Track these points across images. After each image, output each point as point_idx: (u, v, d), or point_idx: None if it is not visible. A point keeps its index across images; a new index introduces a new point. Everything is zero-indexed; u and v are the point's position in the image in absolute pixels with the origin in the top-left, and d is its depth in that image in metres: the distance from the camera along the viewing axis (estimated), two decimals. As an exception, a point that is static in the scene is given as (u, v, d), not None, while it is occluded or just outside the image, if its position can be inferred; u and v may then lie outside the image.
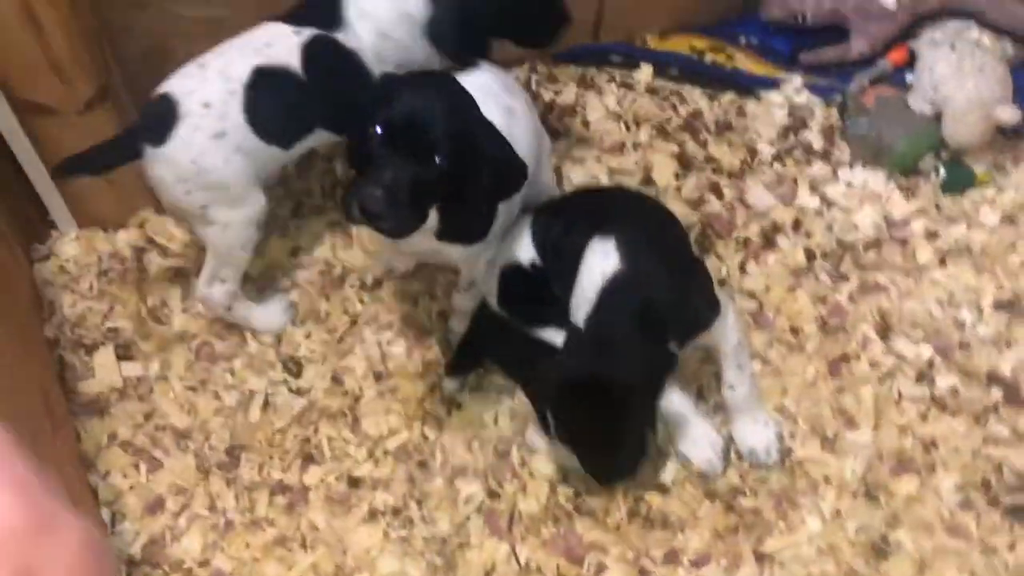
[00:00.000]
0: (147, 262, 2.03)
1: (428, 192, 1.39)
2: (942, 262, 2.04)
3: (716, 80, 2.33)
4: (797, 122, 2.26)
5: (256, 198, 1.75)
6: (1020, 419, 1.84)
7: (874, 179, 2.15)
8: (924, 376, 1.89)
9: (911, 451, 1.79)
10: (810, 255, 2.05)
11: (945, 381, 1.88)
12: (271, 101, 1.68)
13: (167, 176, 1.68)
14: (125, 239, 2.06)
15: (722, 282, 2.01)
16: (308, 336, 1.93)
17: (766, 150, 2.22)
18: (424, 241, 1.54)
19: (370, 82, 1.68)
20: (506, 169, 1.47)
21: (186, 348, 1.91)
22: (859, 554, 1.68)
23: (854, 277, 2.02)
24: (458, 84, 1.50)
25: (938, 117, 2.13)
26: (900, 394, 1.87)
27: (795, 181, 2.16)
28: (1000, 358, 1.91)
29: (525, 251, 1.71)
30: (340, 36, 1.73)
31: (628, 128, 2.25)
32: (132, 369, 1.88)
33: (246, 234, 1.77)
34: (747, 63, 2.38)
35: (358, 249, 2.05)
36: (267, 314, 1.93)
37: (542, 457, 1.77)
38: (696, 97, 2.31)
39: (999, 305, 1.97)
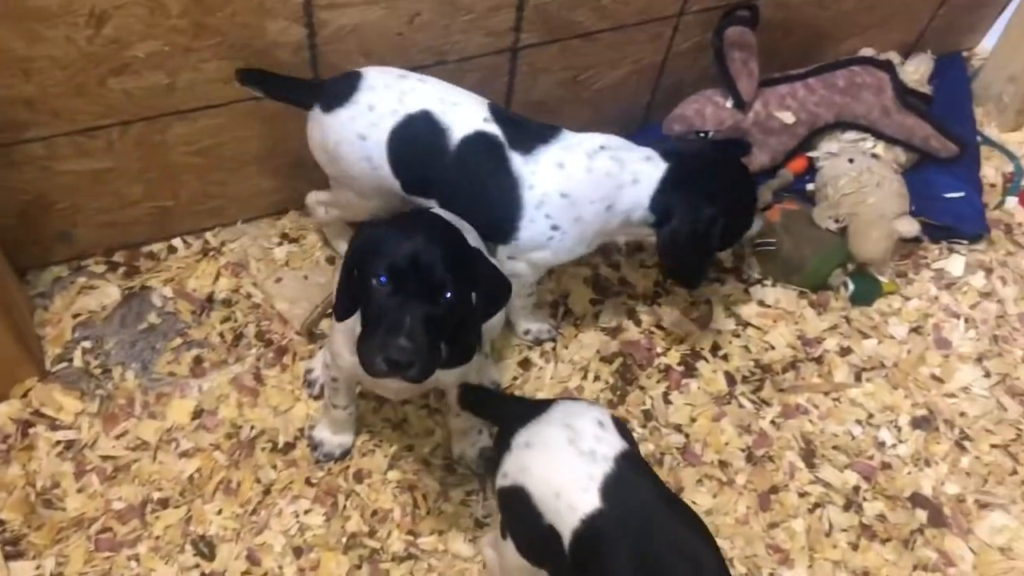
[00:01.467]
0: (34, 437, 1.86)
1: (442, 328, 1.39)
2: (858, 379, 2.07)
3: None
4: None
5: (376, 203, 1.89)
6: (945, 540, 1.87)
7: (785, 297, 2.17)
8: (851, 503, 1.90)
9: (846, 587, 1.80)
10: (731, 380, 2.05)
11: (872, 508, 1.89)
12: (416, 143, 1.75)
13: (316, 138, 1.81)
14: (7, 412, 1.88)
15: (648, 415, 1.98)
16: (219, 512, 1.80)
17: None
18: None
19: (507, 199, 1.76)
20: (496, 288, 1.49)
21: (84, 536, 1.75)
22: None
23: (775, 401, 2.02)
24: (442, 218, 1.52)
25: (842, 231, 2.17)
26: (831, 524, 1.87)
27: (709, 302, 2.16)
28: (921, 477, 1.94)
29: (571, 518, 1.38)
30: (516, 157, 1.75)
31: (540, 254, 2.21)
32: (22, 570, 1.71)
33: (363, 211, 1.93)
34: (653, 179, 2.37)
35: (267, 406, 1.93)
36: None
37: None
38: (605, 216, 2.30)
39: (915, 423, 2.01)
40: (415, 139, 1.74)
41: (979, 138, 2.51)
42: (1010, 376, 2.09)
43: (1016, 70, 2.50)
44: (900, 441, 1.99)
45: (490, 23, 1.96)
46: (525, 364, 2.04)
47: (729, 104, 2.27)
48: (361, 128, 1.74)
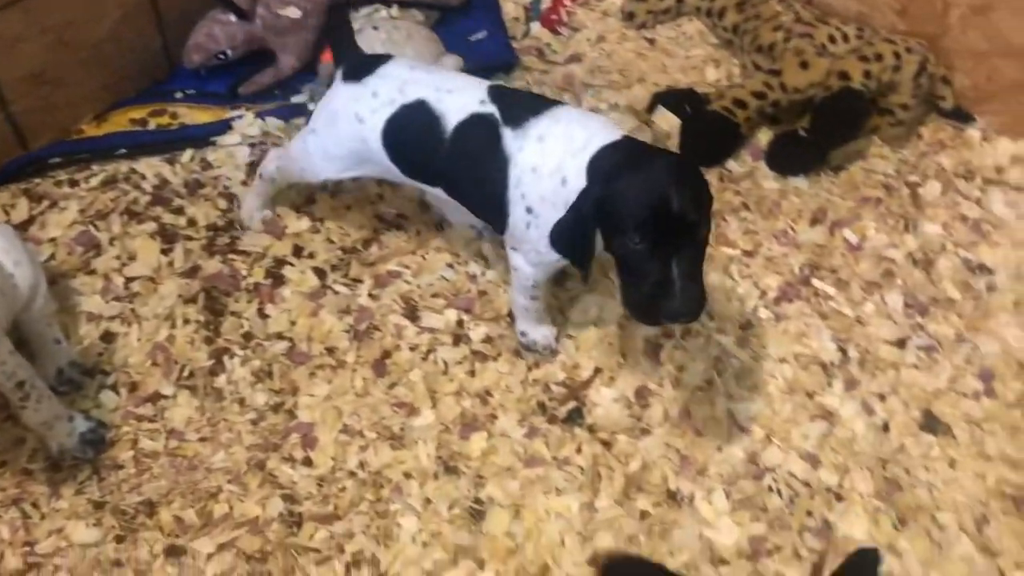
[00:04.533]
0: None
1: None
2: (439, 228, 2.15)
3: (168, 144, 2.24)
4: (262, 154, 2.24)
5: (352, 172, 1.90)
6: (548, 334, 1.99)
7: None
8: (459, 337, 1.98)
9: (472, 410, 1.87)
10: (321, 273, 2.06)
11: (477, 333, 1.98)
12: (411, 133, 1.75)
13: (327, 97, 1.87)
14: None
15: (248, 336, 1.95)
16: None
17: (241, 191, 2.18)
18: None
19: (498, 180, 1.69)
20: None
21: None
22: (460, 527, 1.72)
23: (367, 276, 2.06)
24: None
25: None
26: (445, 363, 1.94)
27: (280, 215, 2.15)
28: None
29: None
30: (508, 134, 1.67)
31: (97, 227, 2.10)
32: None
33: (312, 172, 1.93)
34: (192, 116, 2.31)
35: None
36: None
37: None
38: (156, 168, 2.22)
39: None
40: (410, 129, 1.75)
41: (491, -19, 2.64)
42: (568, 175, 2.25)
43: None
44: (488, 268, 2.08)
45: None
46: (107, 336, 1.94)
47: (234, 19, 2.25)
48: (361, 111, 1.77)
